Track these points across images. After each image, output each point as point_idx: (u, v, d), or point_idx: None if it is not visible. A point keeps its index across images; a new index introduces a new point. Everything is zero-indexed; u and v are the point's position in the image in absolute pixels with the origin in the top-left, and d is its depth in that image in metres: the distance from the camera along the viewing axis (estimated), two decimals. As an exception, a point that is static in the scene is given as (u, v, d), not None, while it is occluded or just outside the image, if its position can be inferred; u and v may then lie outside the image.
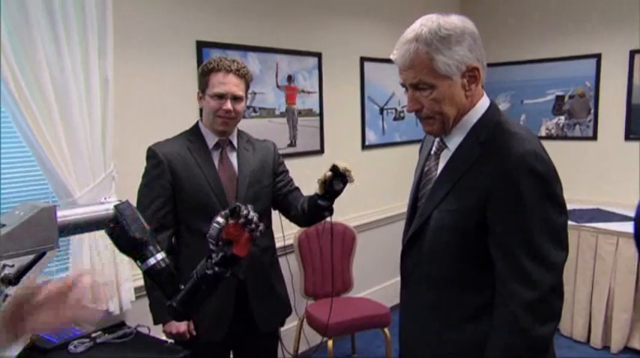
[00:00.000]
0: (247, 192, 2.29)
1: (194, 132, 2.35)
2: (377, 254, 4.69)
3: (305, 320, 3.74)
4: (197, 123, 2.38)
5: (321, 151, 4.21)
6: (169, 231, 2.26)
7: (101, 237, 2.73)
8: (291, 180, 2.50)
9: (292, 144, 3.98)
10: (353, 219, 4.40)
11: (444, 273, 1.59)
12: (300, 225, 2.42)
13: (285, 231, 2.45)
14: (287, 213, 2.43)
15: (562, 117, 5.07)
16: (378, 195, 4.68)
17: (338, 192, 2.14)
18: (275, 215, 2.47)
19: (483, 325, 1.53)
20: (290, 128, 3.96)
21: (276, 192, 2.43)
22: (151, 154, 2.27)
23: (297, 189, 2.48)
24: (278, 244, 2.53)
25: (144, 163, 2.30)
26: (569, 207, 1.51)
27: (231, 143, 2.36)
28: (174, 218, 2.27)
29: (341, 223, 4.06)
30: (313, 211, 2.22)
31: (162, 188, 2.23)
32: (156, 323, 2.25)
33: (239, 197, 2.27)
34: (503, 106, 5.29)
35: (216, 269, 1.45)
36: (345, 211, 4.30)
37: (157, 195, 2.23)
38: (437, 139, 1.69)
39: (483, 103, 1.60)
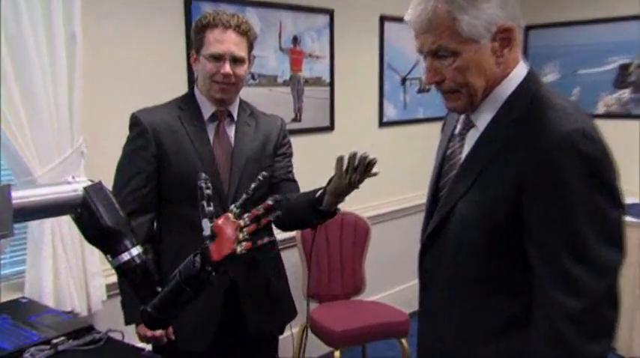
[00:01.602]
0: (243, 174, 2.28)
1: (188, 100, 2.35)
2: (394, 250, 4.69)
3: (308, 326, 3.75)
4: (193, 89, 2.37)
5: (330, 128, 4.20)
6: (150, 214, 2.27)
7: (67, 222, 2.73)
8: (292, 167, 2.49)
9: (297, 119, 3.97)
10: (366, 208, 4.40)
11: (471, 276, 1.59)
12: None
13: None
14: None
15: (626, 91, 4.97)
16: (398, 181, 4.67)
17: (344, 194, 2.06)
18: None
19: (518, 340, 1.53)
20: (294, 99, 3.95)
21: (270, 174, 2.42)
22: (135, 121, 2.27)
23: (294, 181, 2.48)
24: (279, 237, 2.53)
25: (119, 137, 2.30)
26: (630, 200, 1.49)
27: (230, 115, 2.35)
28: (156, 199, 2.29)
29: (352, 213, 4.06)
30: (305, 212, 2.16)
31: (146, 162, 2.23)
32: (127, 323, 2.26)
33: (232, 178, 2.27)
34: (551, 78, 5.22)
35: (207, 268, 1.44)
36: (358, 199, 4.29)
37: (138, 170, 2.23)
38: (462, 117, 1.67)
39: (519, 72, 1.57)
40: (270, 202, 1.50)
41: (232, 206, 1.50)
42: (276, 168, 2.42)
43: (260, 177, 1.55)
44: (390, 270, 4.75)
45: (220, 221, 1.46)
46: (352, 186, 1.97)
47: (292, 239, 3.86)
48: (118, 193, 2.15)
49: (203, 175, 1.56)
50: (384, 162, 2.05)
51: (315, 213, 2.13)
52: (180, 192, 2.23)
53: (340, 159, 1.94)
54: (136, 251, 1.48)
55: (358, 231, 4.09)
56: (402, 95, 4.74)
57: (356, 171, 1.93)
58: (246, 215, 1.49)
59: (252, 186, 1.54)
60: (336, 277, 3.99)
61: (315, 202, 2.11)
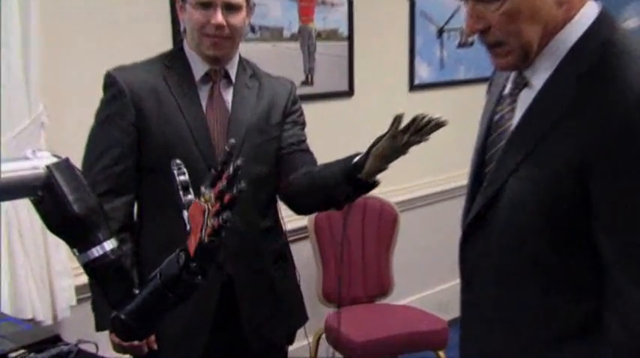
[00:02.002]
0: (243, 147, 2.28)
1: (175, 57, 2.36)
2: (429, 242, 4.70)
3: (324, 335, 3.76)
4: (181, 43, 2.38)
5: (349, 93, 4.20)
6: (127, 196, 2.28)
7: (26, 206, 2.73)
8: (305, 137, 2.50)
9: (307, 82, 3.97)
10: (394, 192, 4.39)
11: (523, 271, 1.58)
12: (292, 204, 2.43)
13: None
14: (281, 179, 2.42)
15: None
16: (433, 158, 4.63)
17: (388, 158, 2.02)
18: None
19: (582, 351, 1.52)
20: (305, 57, 3.95)
21: (278, 146, 2.42)
22: (110, 81, 2.27)
23: (309, 152, 2.47)
24: (295, 224, 2.52)
25: (89, 103, 2.31)
26: None
27: (227, 75, 2.36)
28: (136, 177, 2.30)
29: (377, 197, 4.06)
30: (335, 184, 2.14)
31: (123, 132, 2.24)
32: (99, 328, 2.27)
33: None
34: (633, 24, 5.09)
35: (195, 269, 1.43)
36: (384, 181, 4.27)
37: (113, 142, 2.24)
38: (513, 73, 1.66)
39: (587, 13, 1.54)
40: (230, 170, 1.47)
41: (202, 188, 1.48)
42: (285, 138, 2.42)
43: (227, 148, 1.53)
44: (424, 267, 4.76)
45: (191, 209, 1.46)
46: (406, 147, 1.94)
47: (304, 229, 3.87)
48: (88, 170, 2.17)
49: (177, 161, 1.55)
50: (417, 134, 2.03)
51: (350, 184, 2.09)
52: (166, 170, 2.21)
53: (399, 117, 1.90)
54: (109, 245, 1.48)
55: (384, 219, 4.09)
56: (439, 51, 4.72)
57: (418, 132, 1.90)
58: (210, 191, 1.47)
59: (220, 159, 1.52)
60: (358, 276, 3.99)
61: (353, 169, 2.08)
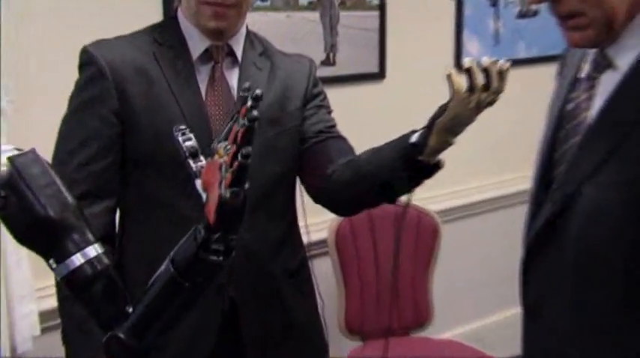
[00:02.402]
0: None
1: (167, 29, 2.36)
2: (480, 261, 4.72)
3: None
4: (175, 12, 2.38)
5: (380, 75, 4.22)
6: (108, 200, 2.27)
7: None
8: (334, 122, 2.49)
9: (329, 62, 4.00)
10: (435, 198, 4.40)
11: (605, 300, 1.58)
12: (331, 203, 2.41)
13: (314, 216, 2.44)
14: (314, 172, 2.39)
15: None
16: (485, 157, 4.65)
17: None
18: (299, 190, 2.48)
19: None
20: (325, 31, 3.97)
21: (302, 137, 2.41)
22: (87, 59, 2.26)
23: (343, 138, 2.45)
24: (312, 237, 2.52)
25: (61, 85, 2.31)
26: None
27: (232, 53, 2.36)
28: (118, 178, 2.30)
29: (413, 205, 4.01)
30: (390, 170, 2.07)
31: (102, 121, 2.24)
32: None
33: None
34: None
35: (216, 247, 1.42)
36: (422, 185, 4.27)
37: (90, 134, 2.23)
38: (592, 52, 1.66)
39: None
40: (248, 103, 1.44)
41: (214, 142, 1.48)
42: (310, 125, 2.41)
43: (241, 93, 1.50)
44: (473, 292, 4.78)
45: (204, 174, 1.46)
46: (477, 112, 1.84)
47: (323, 243, 3.89)
48: (60, 167, 2.16)
49: (180, 126, 1.56)
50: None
51: (407, 168, 2.03)
52: (157, 168, 2.22)
53: (452, 76, 1.82)
54: (93, 251, 1.47)
55: (422, 233, 4.10)
56: (493, 22, 4.74)
57: (488, 88, 1.79)
58: (225, 143, 1.46)
59: (238, 94, 1.50)
60: (389, 302, 3.98)
61: (413, 150, 2.01)
